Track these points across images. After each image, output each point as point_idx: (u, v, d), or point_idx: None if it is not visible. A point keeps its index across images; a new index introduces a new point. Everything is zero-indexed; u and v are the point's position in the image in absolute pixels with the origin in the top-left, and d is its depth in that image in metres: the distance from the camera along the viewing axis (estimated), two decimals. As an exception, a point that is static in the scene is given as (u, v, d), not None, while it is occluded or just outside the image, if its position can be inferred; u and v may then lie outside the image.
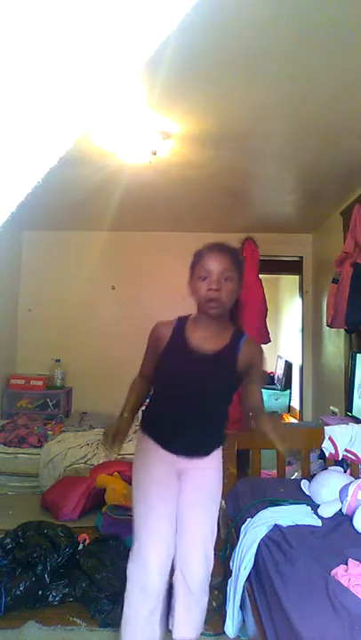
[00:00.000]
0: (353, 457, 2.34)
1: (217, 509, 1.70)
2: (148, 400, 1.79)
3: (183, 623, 1.66)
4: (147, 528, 1.58)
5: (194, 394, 1.58)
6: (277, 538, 1.67)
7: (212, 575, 2.31)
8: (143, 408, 1.79)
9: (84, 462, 3.55)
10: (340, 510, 1.88)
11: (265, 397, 6.48)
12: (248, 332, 3.79)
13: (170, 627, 1.71)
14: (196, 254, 1.55)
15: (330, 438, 2.39)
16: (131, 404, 1.74)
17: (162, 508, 1.60)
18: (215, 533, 1.69)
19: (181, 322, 1.61)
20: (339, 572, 1.40)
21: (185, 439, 1.62)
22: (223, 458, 1.76)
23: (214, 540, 1.68)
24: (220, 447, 1.73)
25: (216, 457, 1.70)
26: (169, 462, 1.62)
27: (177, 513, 1.64)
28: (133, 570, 1.58)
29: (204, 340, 1.56)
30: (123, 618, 1.59)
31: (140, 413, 1.81)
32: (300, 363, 5.17)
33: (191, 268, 1.55)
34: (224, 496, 2.29)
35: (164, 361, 1.60)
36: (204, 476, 1.68)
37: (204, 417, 1.63)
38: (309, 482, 2.15)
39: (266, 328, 3.72)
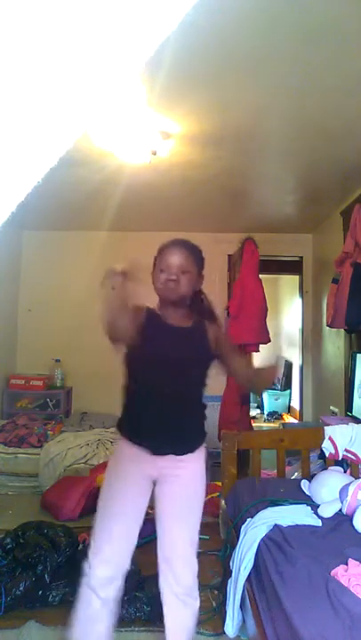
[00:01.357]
0: (353, 457, 2.34)
1: (200, 513, 1.64)
2: (123, 400, 1.68)
3: (173, 629, 1.61)
4: (102, 530, 1.57)
5: (174, 372, 1.56)
6: (277, 538, 1.67)
7: (212, 575, 2.32)
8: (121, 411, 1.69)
9: (84, 462, 3.55)
10: (340, 510, 1.88)
11: (265, 397, 6.45)
12: (248, 332, 3.78)
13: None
14: (158, 249, 1.65)
15: (330, 438, 2.39)
16: None
17: (122, 514, 1.57)
18: (197, 537, 1.63)
19: (150, 309, 1.65)
20: (339, 572, 1.39)
21: (166, 432, 1.57)
22: (207, 458, 1.70)
23: (196, 545, 1.63)
24: (202, 447, 1.67)
25: (198, 458, 1.64)
26: (145, 467, 1.57)
27: (156, 521, 1.62)
28: (85, 568, 1.58)
29: (173, 318, 1.62)
30: (75, 610, 1.58)
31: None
32: (300, 363, 5.17)
33: (154, 260, 1.64)
34: (224, 496, 2.29)
35: (143, 336, 1.52)
36: (185, 481, 1.61)
37: (183, 402, 1.61)
38: (309, 482, 2.15)
39: (266, 328, 3.71)
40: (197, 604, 1.63)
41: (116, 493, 1.59)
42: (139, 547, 1.63)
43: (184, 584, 1.59)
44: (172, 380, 1.57)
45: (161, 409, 1.57)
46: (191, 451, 1.62)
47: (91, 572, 1.55)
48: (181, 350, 1.58)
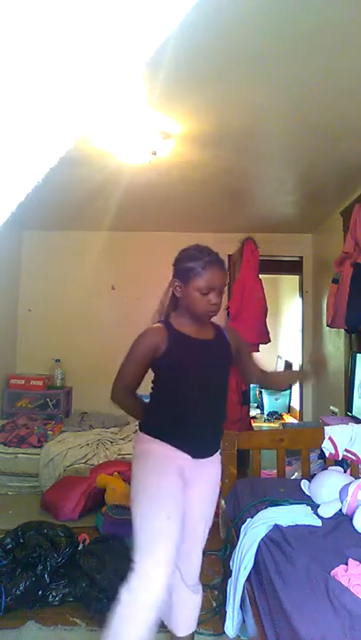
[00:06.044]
0: (353, 457, 2.34)
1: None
2: (152, 404, 1.68)
3: (185, 619, 1.71)
4: (167, 544, 1.47)
5: (209, 383, 1.61)
6: (277, 538, 1.66)
7: (212, 575, 2.32)
8: (147, 413, 1.68)
9: (84, 462, 3.55)
10: (340, 510, 1.88)
11: (265, 397, 6.48)
12: (248, 332, 3.79)
13: (168, 625, 1.72)
14: (193, 262, 1.56)
15: (330, 438, 2.38)
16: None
17: (178, 520, 1.53)
18: None
19: (167, 324, 1.61)
20: (339, 572, 1.39)
21: (206, 437, 1.64)
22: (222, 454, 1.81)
23: None
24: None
25: (219, 456, 1.73)
26: (181, 469, 1.56)
27: (183, 519, 1.59)
28: (140, 589, 1.43)
29: (198, 332, 1.63)
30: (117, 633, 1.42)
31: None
32: (300, 363, 5.17)
33: (186, 274, 1.57)
34: (224, 496, 2.29)
35: (176, 358, 1.56)
36: (213, 480, 1.70)
37: (217, 408, 1.68)
38: (309, 482, 2.15)
39: (266, 328, 3.71)
40: (201, 589, 1.76)
41: (165, 506, 1.50)
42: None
43: (196, 575, 1.71)
44: (210, 390, 1.62)
45: (200, 417, 1.60)
46: (218, 450, 1.70)
47: (146, 594, 1.42)
48: (214, 362, 1.63)
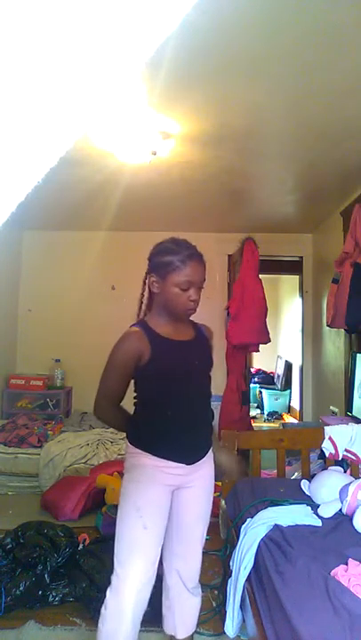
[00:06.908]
0: (353, 457, 2.34)
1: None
2: (137, 414, 1.62)
3: (184, 621, 1.70)
4: (143, 553, 1.50)
5: (195, 387, 1.58)
6: (277, 538, 1.66)
7: (212, 575, 2.32)
8: (134, 426, 1.61)
9: (84, 462, 3.55)
10: (340, 510, 1.88)
11: (265, 397, 6.47)
12: (248, 332, 3.77)
13: (167, 630, 1.74)
14: (171, 256, 1.48)
15: (330, 438, 2.38)
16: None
17: (160, 531, 1.54)
18: None
19: (145, 327, 1.52)
20: (339, 572, 1.39)
21: (196, 443, 1.60)
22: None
23: None
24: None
25: (211, 456, 1.70)
26: (171, 480, 1.55)
27: (174, 524, 1.62)
28: (113, 600, 1.48)
29: (178, 333, 1.56)
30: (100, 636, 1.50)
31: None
32: (300, 363, 5.17)
33: (163, 269, 1.48)
34: (224, 496, 2.29)
35: (160, 365, 1.49)
36: (207, 482, 1.67)
37: (204, 410, 1.64)
38: (309, 482, 2.15)
39: (266, 328, 3.71)
40: (200, 590, 1.74)
41: (144, 516, 1.50)
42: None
43: (196, 577, 1.69)
44: (195, 393, 1.59)
45: (190, 422, 1.57)
46: (209, 449, 1.67)
47: (118, 588, 1.48)
48: (196, 363, 1.58)
